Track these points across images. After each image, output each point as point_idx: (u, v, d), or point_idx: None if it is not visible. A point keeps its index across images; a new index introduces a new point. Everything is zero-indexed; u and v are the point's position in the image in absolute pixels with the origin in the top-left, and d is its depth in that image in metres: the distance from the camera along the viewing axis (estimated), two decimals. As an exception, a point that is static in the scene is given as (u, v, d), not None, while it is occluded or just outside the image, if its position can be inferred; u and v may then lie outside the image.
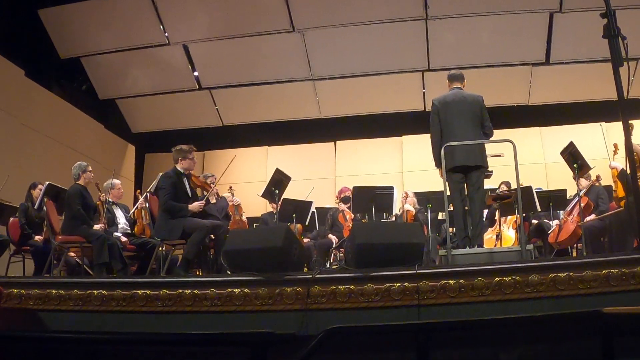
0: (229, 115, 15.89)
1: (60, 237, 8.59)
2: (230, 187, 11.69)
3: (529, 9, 12.80)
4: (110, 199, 9.52)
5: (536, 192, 9.80)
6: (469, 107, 7.87)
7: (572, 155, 8.79)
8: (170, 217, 8.14)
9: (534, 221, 10.44)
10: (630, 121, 4.04)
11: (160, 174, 8.88)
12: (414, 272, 5.64)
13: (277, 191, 9.68)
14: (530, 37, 13.39)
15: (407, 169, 15.54)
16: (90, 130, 14.88)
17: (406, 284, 5.60)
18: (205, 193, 8.95)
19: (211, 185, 8.97)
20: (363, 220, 10.82)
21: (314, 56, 14.12)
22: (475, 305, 5.48)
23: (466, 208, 7.84)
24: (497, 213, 10.02)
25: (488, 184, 8.63)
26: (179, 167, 8.50)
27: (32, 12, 12.91)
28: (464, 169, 7.73)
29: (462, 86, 8.13)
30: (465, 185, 7.83)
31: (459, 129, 7.76)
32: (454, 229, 8.32)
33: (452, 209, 8.05)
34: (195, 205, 8.34)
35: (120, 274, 8.13)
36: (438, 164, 7.80)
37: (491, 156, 7.91)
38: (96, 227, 8.63)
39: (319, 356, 4.94)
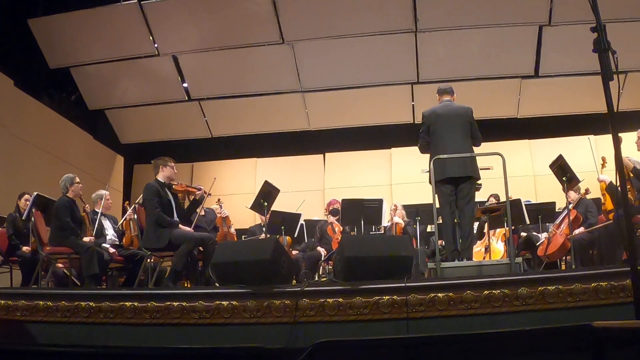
0: (218, 127, 15.85)
1: (48, 248, 8.55)
2: (219, 200, 11.68)
3: (519, 22, 12.82)
4: (98, 210, 9.49)
5: (525, 204, 9.81)
6: (458, 119, 7.89)
7: (561, 168, 8.82)
8: (159, 227, 8.10)
9: (523, 234, 10.45)
10: (619, 134, 4.04)
11: (148, 185, 8.86)
12: (403, 285, 5.64)
13: (265, 203, 9.68)
14: (519, 50, 13.42)
15: (396, 181, 15.54)
16: (79, 141, 14.84)
17: (395, 297, 5.60)
18: (190, 198, 8.92)
19: (194, 188, 8.89)
20: (352, 233, 10.81)
21: (304, 68, 14.12)
22: (464, 318, 5.49)
23: (456, 221, 7.84)
24: (486, 226, 10.03)
25: (477, 196, 8.63)
26: (159, 177, 8.47)
27: (21, 21, 12.87)
28: (455, 180, 7.73)
29: (452, 99, 8.16)
30: (455, 197, 7.82)
31: (449, 141, 7.77)
32: (443, 241, 8.32)
33: (441, 221, 8.05)
34: (186, 228, 8.33)
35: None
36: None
37: (480, 169, 7.91)
38: (86, 239, 8.59)
39: (308, 369, 4.93)
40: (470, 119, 7.94)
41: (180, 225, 8.22)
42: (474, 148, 7.99)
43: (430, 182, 7.72)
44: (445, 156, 7.57)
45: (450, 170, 7.66)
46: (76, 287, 8.55)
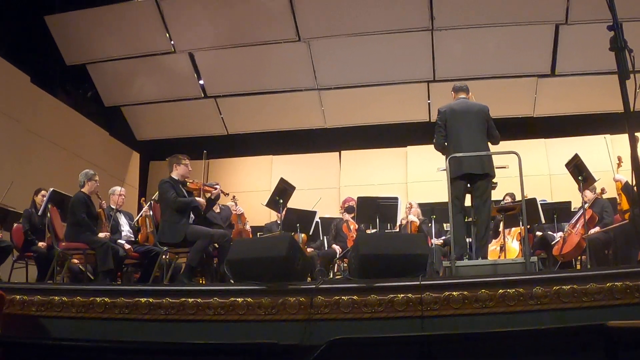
0: (234, 124, 15.89)
1: (63, 243, 8.58)
2: (234, 197, 11.68)
3: (535, 21, 12.78)
4: (112, 205, 9.52)
5: (541, 204, 9.78)
6: (475, 116, 7.87)
7: (577, 168, 8.79)
8: (177, 219, 8.13)
9: (538, 233, 10.42)
10: (636, 134, 4.02)
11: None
12: (418, 283, 5.61)
13: (281, 200, 9.67)
14: (535, 49, 13.38)
15: (412, 179, 15.53)
16: (95, 137, 14.91)
17: (410, 295, 5.57)
18: (206, 196, 8.91)
19: (210, 187, 8.87)
20: (367, 231, 10.79)
21: (320, 66, 14.12)
22: (478, 317, 5.46)
23: (468, 219, 7.82)
24: (501, 225, 10.01)
25: (493, 195, 8.61)
26: (174, 175, 8.49)
27: (38, 18, 12.93)
28: (471, 177, 7.71)
29: (467, 97, 8.13)
30: (468, 195, 7.80)
31: (466, 138, 7.75)
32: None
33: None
34: (202, 200, 8.38)
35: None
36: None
37: (496, 168, 7.89)
38: (101, 235, 8.62)
39: (322, 367, 4.93)
40: (486, 117, 7.92)
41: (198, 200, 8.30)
42: (492, 146, 7.98)
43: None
44: (461, 154, 7.55)
45: (467, 167, 7.64)
46: (91, 283, 8.57)
